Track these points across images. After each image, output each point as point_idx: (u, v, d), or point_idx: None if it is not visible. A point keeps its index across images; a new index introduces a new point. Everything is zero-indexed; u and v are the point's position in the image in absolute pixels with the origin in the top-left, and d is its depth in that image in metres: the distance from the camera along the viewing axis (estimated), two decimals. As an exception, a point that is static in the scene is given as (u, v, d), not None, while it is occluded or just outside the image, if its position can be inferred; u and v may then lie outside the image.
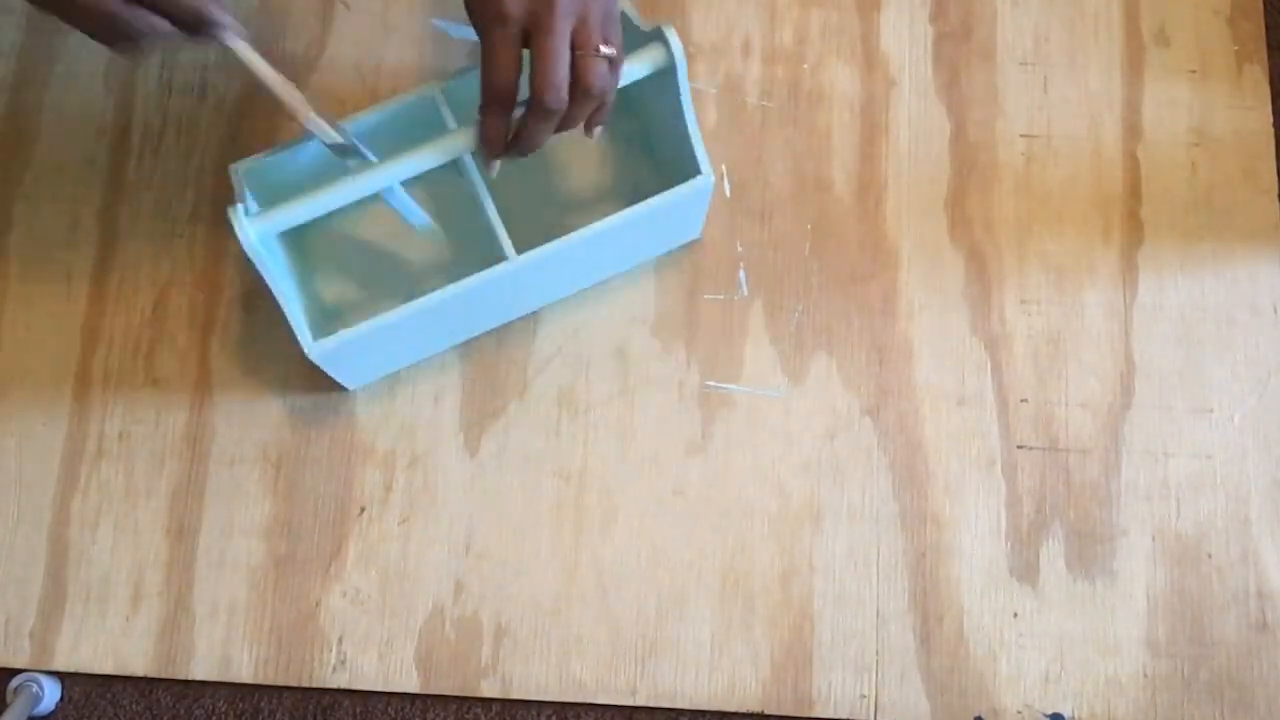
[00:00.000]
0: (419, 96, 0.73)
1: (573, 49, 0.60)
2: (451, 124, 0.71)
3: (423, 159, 0.66)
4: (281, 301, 0.68)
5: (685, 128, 0.70)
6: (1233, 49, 0.85)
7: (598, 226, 0.71)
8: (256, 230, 0.66)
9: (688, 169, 0.72)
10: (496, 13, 0.58)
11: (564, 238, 0.71)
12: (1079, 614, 0.76)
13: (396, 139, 0.72)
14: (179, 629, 0.76)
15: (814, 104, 0.84)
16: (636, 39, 0.69)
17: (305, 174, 0.73)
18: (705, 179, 0.71)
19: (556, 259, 0.71)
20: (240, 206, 0.66)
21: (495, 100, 0.62)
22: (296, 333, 0.69)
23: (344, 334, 0.70)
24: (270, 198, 0.70)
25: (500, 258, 0.70)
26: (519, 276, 0.71)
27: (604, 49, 0.60)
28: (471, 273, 0.70)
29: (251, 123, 0.84)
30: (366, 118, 0.72)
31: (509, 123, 0.63)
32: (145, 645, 0.76)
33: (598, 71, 0.60)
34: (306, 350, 0.69)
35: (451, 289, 0.70)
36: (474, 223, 0.73)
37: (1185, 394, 0.79)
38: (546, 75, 0.59)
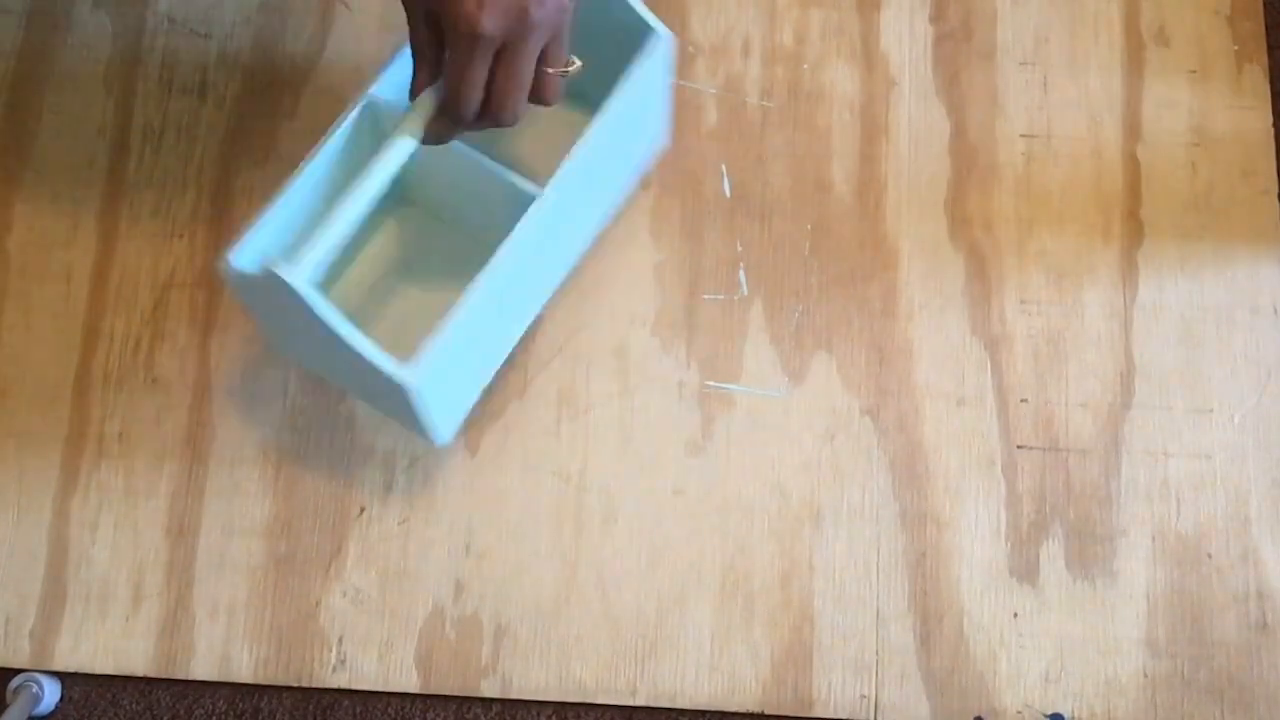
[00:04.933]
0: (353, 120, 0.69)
1: (539, 64, 0.60)
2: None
3: (391, 158, 0.62)
4: (351, 340, 0.62)
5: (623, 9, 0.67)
6: (1233, 49, 0.85)
7: (596, 126, 0.67)
8: (304, 275, 0.60)
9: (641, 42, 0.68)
10: (470, 31, 0.56)
11: (573, 150, 0.66)
12: (1079, 614, 0.76)
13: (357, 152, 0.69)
14: (179, 629, 0.76)
15: (814, 104, 0.84)
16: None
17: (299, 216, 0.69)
18: (664, 36, 0.68)
19: (578, 175, 0.67)
20: (279, 262, 0.60)
21: (453, 117, 0.61)
22: (381, 366, 0.62)
23: (429, 343, 0.62)
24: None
25: (527, 200, 0.66)
26: (556, 211, 0.67)
27: (568, 68, 0.61)
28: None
29: (251, 123, 0.84)
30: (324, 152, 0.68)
31: (457, 131, 0.63)
32: (145, 645, 0.76)
33: (555, 89, 0.62)
34: (402, 380, 0.62)
35: (505, 248, 0.64)
36: (483, 205, 0.71)
37: (1185, 394, 0.79)
38: (507, 95, 0.59)
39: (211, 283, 0.81)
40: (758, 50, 0.85)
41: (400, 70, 0.69)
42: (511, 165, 0.69)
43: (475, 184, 0.70)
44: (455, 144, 0.66)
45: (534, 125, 0.73)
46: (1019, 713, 0.74)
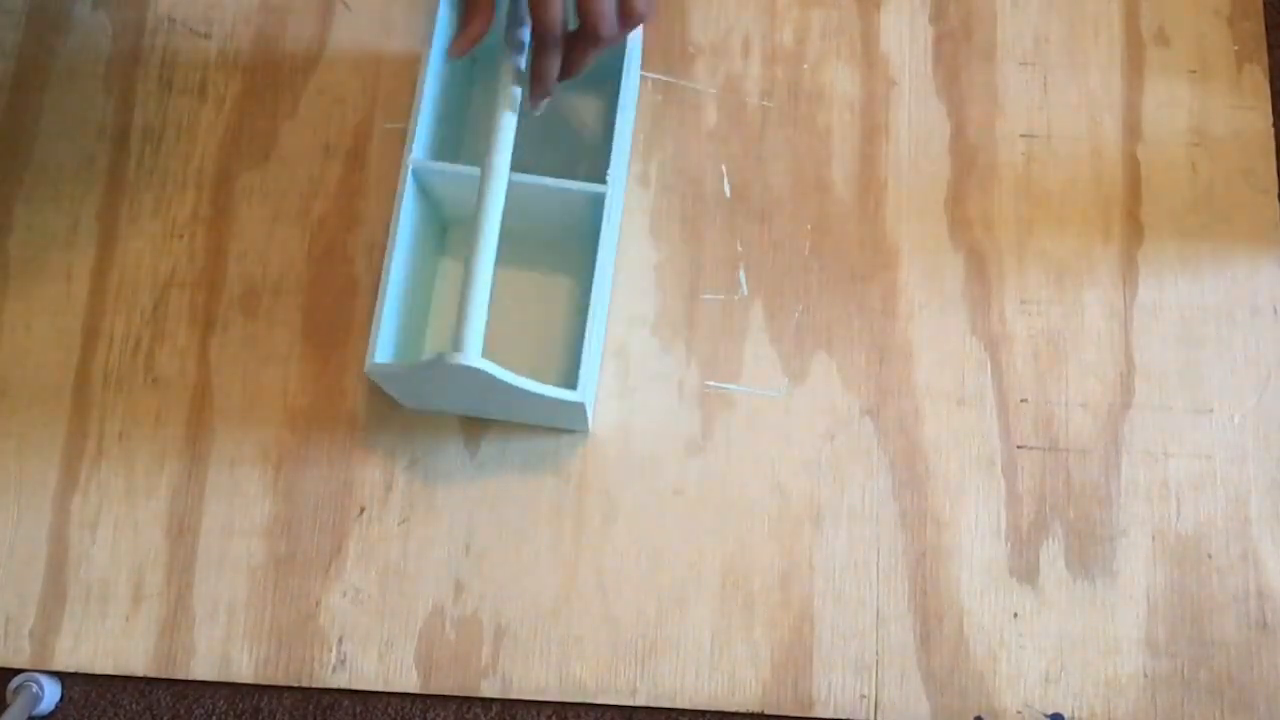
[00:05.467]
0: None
1: None
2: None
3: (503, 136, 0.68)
4: (533, 388, 0.68)
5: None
6: (1233, 49, 0.85)
7: (620, 119, 0.73)
8: (477, 355, 0.66)
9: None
10: None
11: (615, 140, 0.73)
12: (1079, 614, 0.76)
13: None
14: (179, 629, 0.76)
15: (814, 104, 0.84)
16: None
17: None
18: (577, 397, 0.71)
19: (619, 161, 0.74)
20: (453, 354, 0.65)
21: (548, 41, 0.64)
22: (562, 398, 0.69)
23: (583, 364, 0.70)
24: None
25: (599, 199, 0.72)
26: (617, 196, 0.74)
27: None
28: None
29: (251, 122, 0.84)
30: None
31: (559, 58, 0.66)
32: (145, 645, 0.76)
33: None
34: (579, 400, 0.70)
35: (601, 250, 0.71)
36: None
37: (1185, 394, 0.79)
38: (599, 5, 0.62)
39: (211, 283, 0.81)
40: (758, 50, 0.85)
41: (426, 129, 0.74)
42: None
43: (547, 202, 0.74)
44: (518, 175, 0.70)
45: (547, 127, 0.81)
46: (1019, 713, 0.74)
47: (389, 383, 0.73)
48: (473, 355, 0.65)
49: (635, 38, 0.76)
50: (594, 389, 0.77)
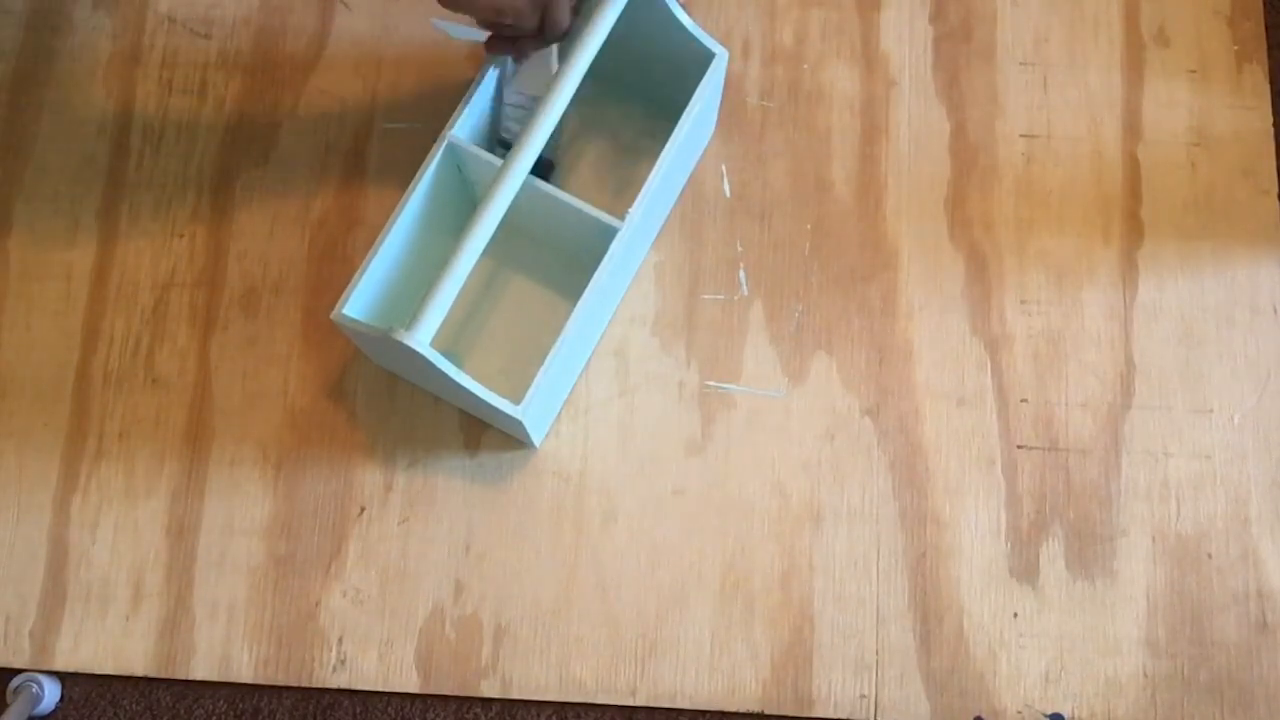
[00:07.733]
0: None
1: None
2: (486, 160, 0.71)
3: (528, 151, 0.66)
4: (472, 388, 0.66)
5: (679, 30, 0.71)
6: (1233, 49, 0.85)
7: (669, 149, 0.71)
8: (427, 340, 0.64)
9: (699, 64, 0.72)
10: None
11: (652, 174, 0.70)
12: (1079, 614, 0.76)
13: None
14: (179, 629, 0.76)
15: (814, 104, 0.84)
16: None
17: (401, 270, 0.74)
18: (722, 54, 0.71)
19: (650, 197, 0.71)
20: (401, 330, 0.64)
21: (554, 36, 0.69)
22: (500, 406, 0.67)
23: (535, 383, 0.68)
24: (382, 307, 0.72)
25: (610, 232, 0.70)
26: (632, 235, 0.71)
27: None
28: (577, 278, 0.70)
29: (251, 123, 0.84)
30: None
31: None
32: (145, 645, 0.76)
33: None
34: (518, 415, 0.68)
35: (590, 289, 0.69)
36: (554, 237, 0.75)
37: (1185, 394, 0.79)
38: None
39: (212, 283, 0.81)
40: (758, 50, 0.85)
41: (476, 112, 0.73)
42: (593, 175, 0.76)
43: (564, 218, 0.73)
44: (547, 186, 0.71)
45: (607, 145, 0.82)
46: (1019, 713, 0.74)
47: (355, 338, 0.72)
48: (421, 338, 0.64)
49: (715, 92, 0.75)
50: (549, 411, 0.77)
